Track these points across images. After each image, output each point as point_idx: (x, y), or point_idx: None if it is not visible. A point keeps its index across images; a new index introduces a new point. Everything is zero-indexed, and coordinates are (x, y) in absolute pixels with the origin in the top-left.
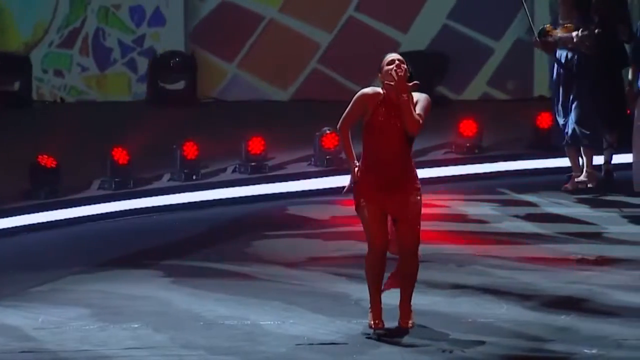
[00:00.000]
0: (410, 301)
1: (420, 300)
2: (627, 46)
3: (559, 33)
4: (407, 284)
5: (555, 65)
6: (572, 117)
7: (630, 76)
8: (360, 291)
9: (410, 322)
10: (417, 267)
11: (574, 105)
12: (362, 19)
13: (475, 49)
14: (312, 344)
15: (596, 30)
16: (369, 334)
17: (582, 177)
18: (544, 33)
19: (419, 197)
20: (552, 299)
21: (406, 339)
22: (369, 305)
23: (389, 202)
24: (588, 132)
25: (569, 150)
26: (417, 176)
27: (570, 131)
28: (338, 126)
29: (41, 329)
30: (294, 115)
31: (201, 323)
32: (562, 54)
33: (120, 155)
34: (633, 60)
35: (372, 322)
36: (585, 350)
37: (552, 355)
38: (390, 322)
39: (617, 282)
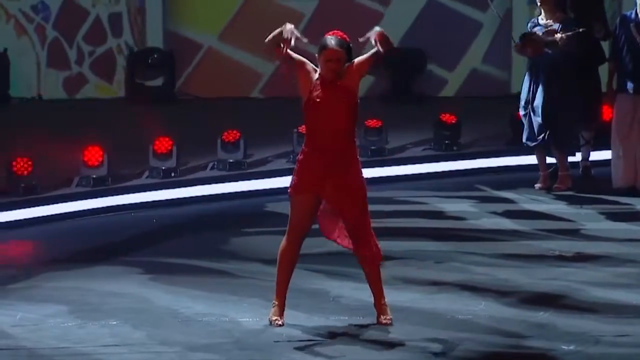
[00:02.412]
0: (383, 298)
1: (398, 297)
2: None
3: (543, 36)
4: (372, 280)
5: (531, 64)
6: (549, 120)
7: (608, 74)
8: (339, 288)
9: (387, 318)
10: (374, 258)
11: (550, 107)
12: (306, 47)
13: (428, 81)
14: (291, 341)
15: (580, 29)
16: (347, 331)
17: (556, 183)
18: (526, 37)
19: (362, 184)
20: (530, 296)
21: (384, 336)
22: (274, 300)
23: (329, 190)
24: (564, 137)
25: (538, 150)
26: (359, 163)
27: (546, 135)
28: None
29: (19, 326)
30: (273, 112)
31: (179, 320)
32: (545, 56)
33: (96, 152)
34: (611, 58)
35: (273, 318)
36: (563, 347)
37: (529, 352)
38: (368, 319)
39: (595, 279)
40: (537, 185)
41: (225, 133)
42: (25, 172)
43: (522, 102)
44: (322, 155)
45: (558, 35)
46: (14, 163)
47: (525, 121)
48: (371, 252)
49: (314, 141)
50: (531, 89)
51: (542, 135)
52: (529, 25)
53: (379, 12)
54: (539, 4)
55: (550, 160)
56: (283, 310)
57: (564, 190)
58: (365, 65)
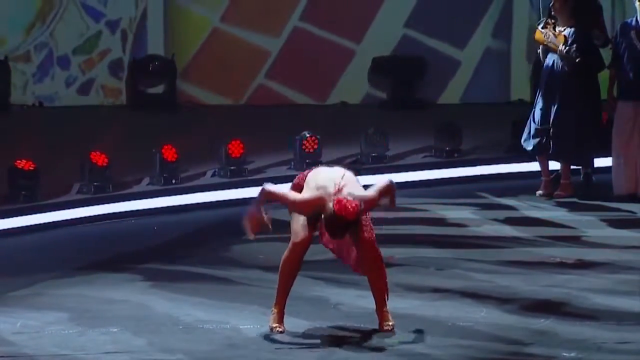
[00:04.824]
0: (385, 305)
1: (400, 304)
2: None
3: (551, 37)
4: (375, 287)
5: (543, 70)
6: (553, 129)
7: (608, 81)
8: (339, 295)
9: (389, 325)
10: (379, 260)
11: (554, 117)
12: (272, 86)
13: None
14: (292, 348)
15: (577, 59)
16: (348, 338)
17: (558, 190)
18: (544, 24)
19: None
20: (531, 303)
21: (386, 343)
22: (273, 307)
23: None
24: (568, 146)
25: (540, 156)
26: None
27: (550, 143)
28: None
29: (20, 334)
30: (275, 119)
31: (180, 327)
32: (549, 60)
33: (98, 159)
34: (611, 65)
35: (274, 326)
36: (564, 354)
37: (531, 359)
38: (370, 326)
39: (596, 286)
40: (539, 192)
41: (230, 145)
42: (27, 179)
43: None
44: None
45: (561, 47)
46: (15, 170)
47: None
48: (374, 255)
49: None
50: (539, 95)
51: (538, 140)
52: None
53: (350, 50)
54: (553, 13)
55: (553, 166)
56: (283, 317)
57: (565, 197)
58: (369, 205)
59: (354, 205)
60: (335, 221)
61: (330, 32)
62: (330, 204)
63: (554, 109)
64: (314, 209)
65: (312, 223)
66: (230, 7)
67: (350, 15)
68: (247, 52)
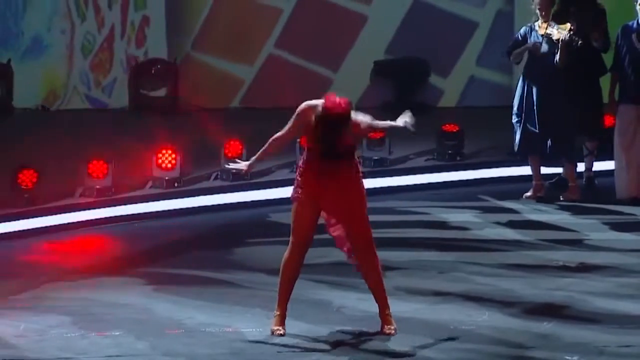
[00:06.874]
0: (387, 308)
1: (401, 307)
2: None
3: (554, 32)
4: (376, 291)
5: (526, 71)
6: (549, 131)
7: (610, 84)
8: (342, 298)
9: (391, 328)
10: (377, 263)
11: (549, 119)
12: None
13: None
14: (294, 351)
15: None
16: (350, 341)
17: (567, 193)
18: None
19: (360, 187)
20: (534, 306)
21: (388, 346)
22: (275, 310)
23: (328, 197)
24: (567, 148)
25: (532, 160)
26: (358, 165)
27: (546, 146)
28: (274, 136)
29: (22, 337)
30: (277, 122)
31: (182, 330)
32: (539, 64)
33: (100, 163)
34: (613, 68)
35: (274, 328)
36: (567, 357)
37: None
38: (372, 329)
39: (598, 289)
40: (527, 195)
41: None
42: (30, 184)
43: (515, 109)
44: (321, 165)
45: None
46: (19, 174)
47: (518, 129)
48: (373, 259)
49: (314, 153)
50: (524, 96)
51: (541, 145)
52: (523, 30)
53: (329, 79)
54: (538, 12)
55: (545, 170)
56: (284, 320)
57: (570, 200)
58: (357, 128)
59: (344, 100)
60: (326, 118)
61: (307, 59)
62: (319, 107)
63: (551, 112)
64: (306, 118)
65: (313, 217)
66: (201, 34)
67: (329, 43)
68: (219, 79)
